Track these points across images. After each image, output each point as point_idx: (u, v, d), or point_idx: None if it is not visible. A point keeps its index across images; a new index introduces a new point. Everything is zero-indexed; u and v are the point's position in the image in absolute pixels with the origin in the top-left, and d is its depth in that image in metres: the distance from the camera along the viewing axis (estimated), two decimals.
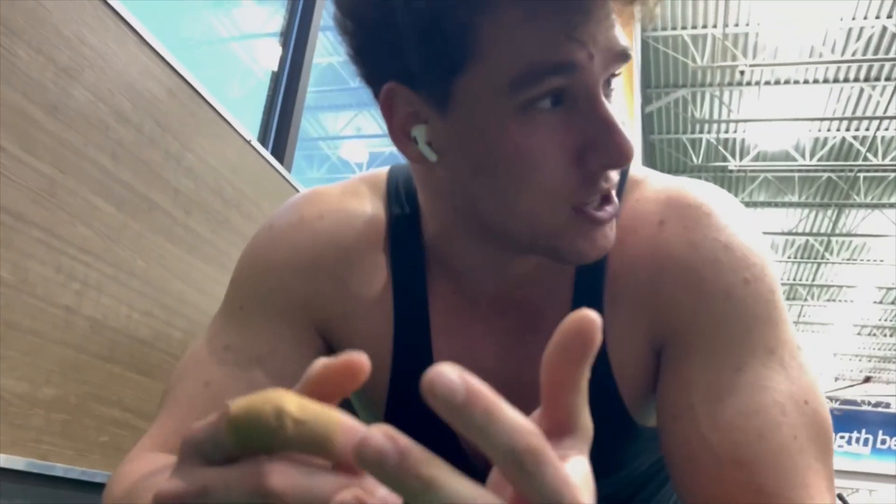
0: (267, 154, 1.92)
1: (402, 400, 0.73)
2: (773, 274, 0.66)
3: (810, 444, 0.59)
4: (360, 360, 0.32)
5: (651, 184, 0.71)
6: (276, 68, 2.45)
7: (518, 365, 0.70)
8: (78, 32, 1.25)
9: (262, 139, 2.31)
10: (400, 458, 0.26)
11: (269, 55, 2.69)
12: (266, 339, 0.70)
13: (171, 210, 1.51)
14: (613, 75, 0.58)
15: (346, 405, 0.81)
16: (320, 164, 10.65)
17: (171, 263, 1.52)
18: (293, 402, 0.30)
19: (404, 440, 0.27)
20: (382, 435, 0.26)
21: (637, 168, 0.74)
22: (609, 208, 0.60)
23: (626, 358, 0.68)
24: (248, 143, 1.81)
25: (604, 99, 0.56)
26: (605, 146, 0.56)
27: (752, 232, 0.68)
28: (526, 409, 0.32)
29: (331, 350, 0.73)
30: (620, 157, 0.56)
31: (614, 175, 0.60)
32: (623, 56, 0.57)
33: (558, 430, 0.33)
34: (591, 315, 0.31)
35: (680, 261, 0.65)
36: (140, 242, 1.42)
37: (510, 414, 0.28)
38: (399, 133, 0.61)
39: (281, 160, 2.25)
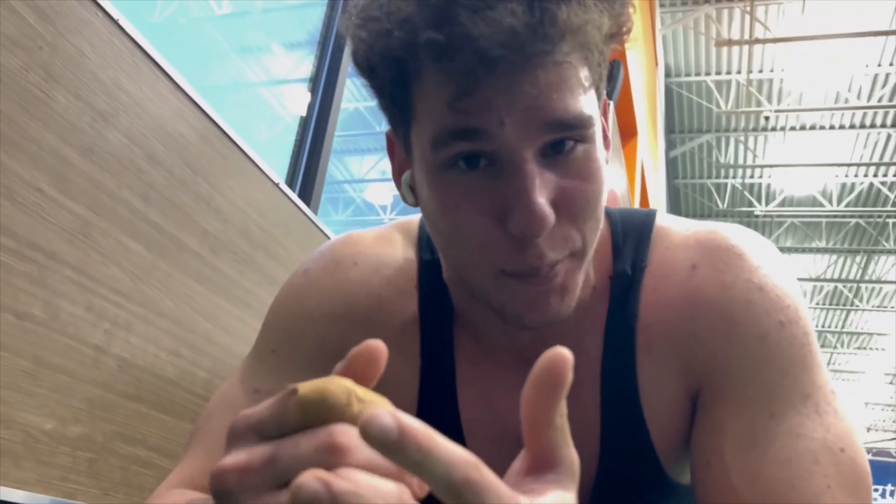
0: (294, 196, 1.94)
1: None
2: (807, 316, 0.65)
3: (845, 493, 0.58)
4: (377, 344, 0.36)
5: (678, 229, 0.71)
6: (304, 113, 2.49)
7: None
8: (114, 78, 1.28)
9: (290, 182, 2.33)
10: (400, 435, 0.29)
11: (298, 100, 2.74)
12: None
13: (199, 251, 1.53)
14: (567, 140, 0.56)
15: None
16: (345, 206, 10.75)
17: (198, 304, 1.53)
18: (356, 386, 0.34)
19: (406, 419, 0.29)
20: (388, 414, 0.29)
21: (661, 215, 0.73)
22: (542, 285, 0.58)
23: (660, 407, 0.67)
24: (276, 185, 1.83)
25: (528, 165, 0.54)
26: (517, 214, 0.55)
27: (785, 273, 0.67)
28: None
29: None
30: (530, 227, 0.54)
31: (555, 254, 0.57)
32: (558, 125, 0.54)
33: (539, 466, 0.34)
34: (562, 352, 0.34)
35: (714, 304, 0.65)
36: (168, 283, 1.44)
37: (447, 448, 0.29)
38: (397, 175, 0.66)
39: (308, 202, 2.27)
